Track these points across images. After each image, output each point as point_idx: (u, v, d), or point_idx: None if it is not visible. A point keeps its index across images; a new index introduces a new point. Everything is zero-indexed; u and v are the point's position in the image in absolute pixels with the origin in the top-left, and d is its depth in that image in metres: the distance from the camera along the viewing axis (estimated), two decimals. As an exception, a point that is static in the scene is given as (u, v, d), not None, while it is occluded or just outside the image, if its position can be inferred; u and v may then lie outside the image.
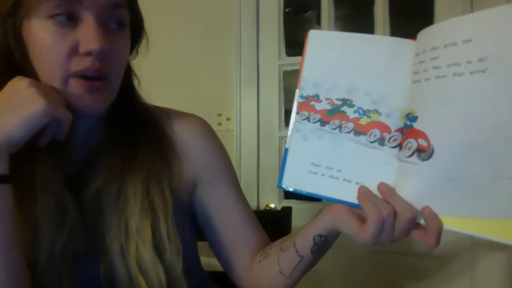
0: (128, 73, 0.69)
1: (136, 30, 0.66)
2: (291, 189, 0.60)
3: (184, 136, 0.72)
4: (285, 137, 1.67)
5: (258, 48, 1.69)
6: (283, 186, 0.60)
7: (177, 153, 0.71)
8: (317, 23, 1.68)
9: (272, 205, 1.65)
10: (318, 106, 0.59)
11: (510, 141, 0.45)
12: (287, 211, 1.12)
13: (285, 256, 0.67)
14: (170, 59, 1.73)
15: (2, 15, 0.56)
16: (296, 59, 1.72)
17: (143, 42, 0.70)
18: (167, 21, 1.74)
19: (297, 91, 0.61)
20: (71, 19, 0.55)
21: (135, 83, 0.71)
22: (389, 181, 0.55)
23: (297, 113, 0.60)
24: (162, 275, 0.61)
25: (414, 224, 0.53)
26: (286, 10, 1.72)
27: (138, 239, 0.61)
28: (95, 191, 0.62)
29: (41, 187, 0.58)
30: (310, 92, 0.60)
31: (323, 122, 0.59)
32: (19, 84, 0.53)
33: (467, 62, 0.47)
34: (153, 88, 0.74)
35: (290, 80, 1.72)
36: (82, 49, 0.55)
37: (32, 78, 0.56)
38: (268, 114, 1.67)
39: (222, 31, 1.72)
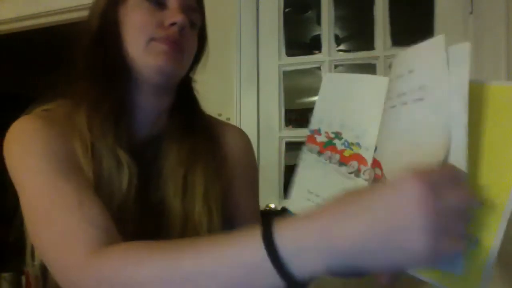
0: (189, 78, 0.77)
1: (201, 43, 0.75)
2: (294, 212, 0.65)
3: (231, 145, 0.79)
4: (285, 137, 1.68)
5: (258, 48, 1.69)
6: (289, 209, 0.66)
7: (225, 160, 0.77)
8: (317, 23, 1.69)
9: (272, 205, 1.65)
10: (319, 139, 0.64)
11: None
12: (287, 211, 1.12)
13: None
14: (170, 59, 1.73)
15: (106, 3, 0.69)
16: (296, 59, 1.72)
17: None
18: (167, 21, 1.75)
19: (309, 126, 0.67)
20: (160, 5, 0.67)
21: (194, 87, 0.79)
22: None
23: (305, 144, 0.65)
24: None
25: None
26: (286, 10, 1.72)
27: (198, 224, 0.67)
28: (161, 178, 0.69)
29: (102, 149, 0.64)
30: (315, 126, 0.65)
31: (319, 153, 0.64)
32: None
33: (410, 92, 0.50)
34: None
35: (290, 80, 1.71)
36: (167, 21, 0.65)
37: (118, 48, 0.67)
38: (268, 114, 1.67)
39: (222, 31, 1.72)
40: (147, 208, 0.67)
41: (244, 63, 1.68)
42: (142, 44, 0.66)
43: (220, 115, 1.69)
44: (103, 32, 0.69)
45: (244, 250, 0.39)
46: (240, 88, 1.68)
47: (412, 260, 0.35)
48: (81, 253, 0.50)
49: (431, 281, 0.48)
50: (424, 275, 0.47)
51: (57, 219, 0.55)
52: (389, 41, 1.55)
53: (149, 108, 0.71)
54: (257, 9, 1.69)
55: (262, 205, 1.66)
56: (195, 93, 0.79)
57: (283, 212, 1.12)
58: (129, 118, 0.69)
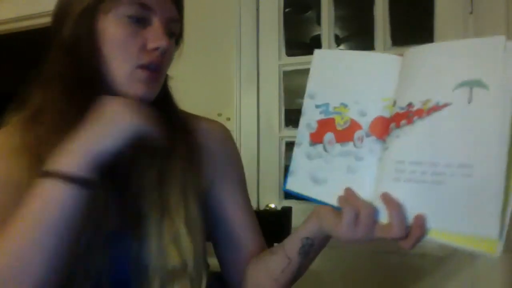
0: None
1: (177, 38, 0.75)
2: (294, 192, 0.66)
3: (210, 139, 0.79)
4: (285, 137, 1.68)
5: (258, 48, 1.69)
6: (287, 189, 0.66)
7: (204, 155, 0.76)
8: (317, 23, 1.69)
9: (272, 205, 1.65)
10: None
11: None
12: (287, 211, 1.12)
13: (274, 258, 0.70)
14: (170, 59, 1.73)
15: (83, 9, 0.65)
16: (296, 59, 1.72)
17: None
18: (167, 21, 1.74)
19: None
20: (141, 22, 0.65)
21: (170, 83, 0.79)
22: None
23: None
24: (190, 249, 0.66)
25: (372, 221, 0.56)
26: (286, 10, 1.72)
27: (174, 215, 0.67)
28: (138, 172, 0.68)
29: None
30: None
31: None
32: (110, 102, 0.60)
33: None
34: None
35: (290, 80, 1.71)
36: (151, 45, 0.65)
37: (98, 67, 0.65)
38: (268, 114, 1.67)
39: (222, 31, 1.72)
40: (126, 202, 0.67)
41: (244, 63, 1.68)
42: (127, 70, 0.65)
43: (220, 115, 1.70)
44: (76, 41, 0.65)
45: (42, 190, 0.55)
46: (240, 88, 1.69)
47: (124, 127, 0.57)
48: None
49: (452, 244, 0.53)
50: (445, 239, 0.55)
51: None
52: (389, 41, 1.55)
53: None
54: (257, 9, 1.69)
55: (262, 205, 1.66)
56: (170, 89, 0.78)
57: (284, 212, 1.12)
58: None
